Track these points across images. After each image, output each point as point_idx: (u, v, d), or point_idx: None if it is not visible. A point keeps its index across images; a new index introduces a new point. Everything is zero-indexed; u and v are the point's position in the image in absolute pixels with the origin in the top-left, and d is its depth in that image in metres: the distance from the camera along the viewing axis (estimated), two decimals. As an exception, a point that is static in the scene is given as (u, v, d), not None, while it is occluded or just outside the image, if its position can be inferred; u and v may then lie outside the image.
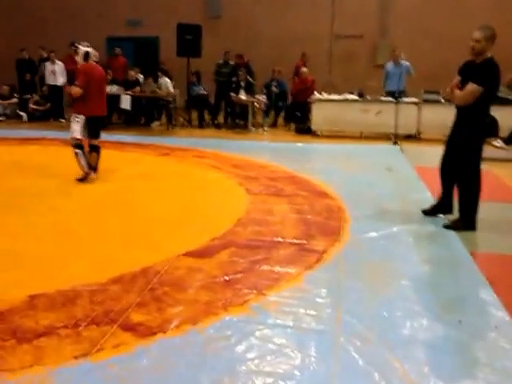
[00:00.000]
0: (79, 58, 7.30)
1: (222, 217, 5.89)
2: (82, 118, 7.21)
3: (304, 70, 13.31)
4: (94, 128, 7.39)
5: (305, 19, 16.39)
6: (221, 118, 13.93)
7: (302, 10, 16.52)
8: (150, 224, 5.64)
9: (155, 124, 13.77)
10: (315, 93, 12.71)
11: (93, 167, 7.43)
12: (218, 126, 13.47)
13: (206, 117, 13.84)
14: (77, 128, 7.20)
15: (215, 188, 7.33)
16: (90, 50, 7.30)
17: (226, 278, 4.19)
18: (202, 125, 13.54)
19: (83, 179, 7.21)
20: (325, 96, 12.68)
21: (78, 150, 7.25)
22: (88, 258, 4.63)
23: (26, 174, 7.70)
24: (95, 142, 7.51)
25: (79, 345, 3.19)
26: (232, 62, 13.87)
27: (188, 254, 4.69)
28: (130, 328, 3.39)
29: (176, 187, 7.31)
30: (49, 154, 9.70)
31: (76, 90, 7.14)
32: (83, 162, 7.27)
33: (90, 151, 7.44)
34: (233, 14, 16.65)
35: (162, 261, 4.52)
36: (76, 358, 3.06)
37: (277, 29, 16.48)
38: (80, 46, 7.31)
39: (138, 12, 17.14)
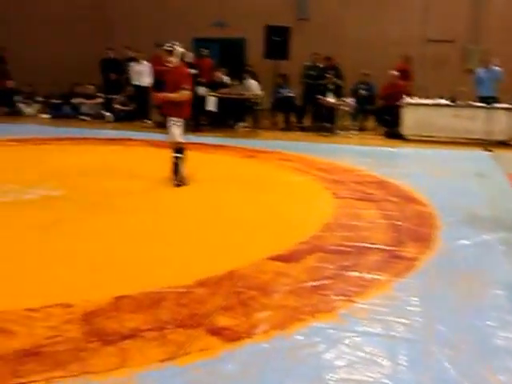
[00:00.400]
0: (174, 59, 7.19)
1: (307, 221, 5.83)
2: (181, 122, 7.25)
3: (394, 73, 13.02)
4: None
5: (395, 22, 16.07)
6: (307, 121, 13.85)
7: (393, 13, 16.23)
8: (235, 226, 5.66)
9: (240, 126, 13.87)
10: (406, 97, 12.42)
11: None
12: (303, 129, 13.40)
13: (292, 119, 13.81)
14: (178, 132, 7.23)
15: (300, 191, 7.27)
16: (183, 50, 7.43)
17: (314, 283, 4.12)
18: (287, 127, 13.52)
19: (181, 184, 7.24)
20: (416, 100, 12.38)
21: (180, 155, 7.31)
22: (173, 260, 4.69)
23: (112, 175, 7.88)
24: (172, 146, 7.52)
25: (165, 348, 3.20)
26: (320, 65, 13.78)
27: (274, 258, 4.66)
28: (215, 332, 3.38)
29: (260, 190, 7.29)
30: (133, 154, 9.94)
31: (187, 94, 7.20)
32: (183, 167, 7.31)
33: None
34: (321, 16, 16.52)
35: (247, 264, 4.51)
36: (161, 361, 3.07)
37: (366, 32, 16.23)
38: (176, 47, 7.22)
39: (224, 13, 17.34)
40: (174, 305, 3.78)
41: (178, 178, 7.25)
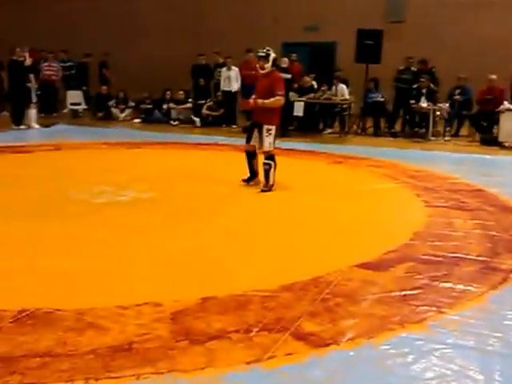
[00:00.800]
0: (268, 64, 7.09)
1: (397, 228, 5.77)
2: (274, 129, 7.24)
3: (492, 77, 12.60)
4: None
5: (496, 24, 15.55)
6: (398, 126, 13.65)
7: (494, 15, 15.71)
8: (321, 232, 5.68)
9: (327, 131, 13.86)
10: (505, 102, 12.00)
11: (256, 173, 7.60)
12: (394, 135, 13.23)
13: (382, 125, 13.65)
14: (270, 140, 7.20)
15: (390, 198, 7.20)
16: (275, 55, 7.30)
17: (403, 293, 4.08)
18: (377, 133, 13.39)
19: (268, 190, 7.24)
20: None
21: (272, 162, 7.26)
22: (259, 264, 4.76)
23: (200, 179, 8.06)
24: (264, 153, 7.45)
25: (251, 350, 3.26)
26: (414, 69, 13.55)
27: (361, 266, 4.64)
28: (301, 337, 3.41)
29: (348, 196, 7.28)
30: (220, 159, 10.14)
31: (282, 100, 7.20)
32: (274, 174, 7.30)
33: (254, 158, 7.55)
34: (416, 18, 16.25)
35: (334, 271, 4.51)
36: (248, 363, 3.13)
37: (464, 34, 15.80)
38: (271, 52, 7.14)
39: (314, 17, 17.38)
40: (260, 308, 3.84)
41: (267, 185, 7.25)
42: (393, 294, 4.07)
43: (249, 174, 7.60)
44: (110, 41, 19.01)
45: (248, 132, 7.57)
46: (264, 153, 7.28)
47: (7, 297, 4.00)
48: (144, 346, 3.29)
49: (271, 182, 7.26)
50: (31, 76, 13.73)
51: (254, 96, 7.26)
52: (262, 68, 7.12)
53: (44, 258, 4.79)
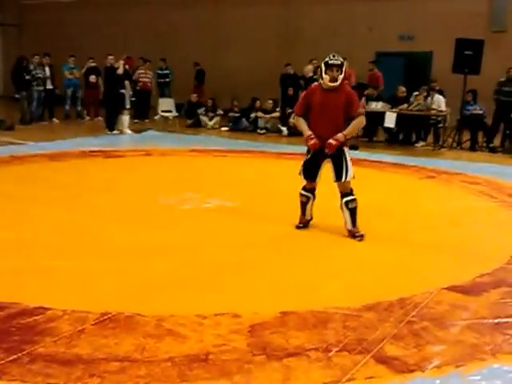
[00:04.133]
0: (342, 75, 5.66)
1: (492, 250, 5.54)
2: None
3: None
4: None
5: None
6: (497, 141, 13.14)
7: None
8: (409, 251, 5.53)
9: (420, 144, 13.53)
10: None
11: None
12: (492, 150, 12.74)
13: (480, 139, 13.18)
14: (350, 164, 5.83)
15: (486, 217, 6.92)
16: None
17: (497, 320, 3.90)
18: (473, 147, 12.94)
19: (362, 237, 5.80)
20: None
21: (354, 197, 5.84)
22: (341, 280, 4.69)
23: (282, 189, 7.94)
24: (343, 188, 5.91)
25: (329, 370, 3.20)
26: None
27: (452, 289, 4.48)
28: (384, 360, 3.32)
29: (439, 214, 7.05)
30: None
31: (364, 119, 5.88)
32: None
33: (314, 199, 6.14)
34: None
35: (421, 292, 4.38)
36: (325, 384, 3.08)
37: None
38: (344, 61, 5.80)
39: (410, 26, 17.07)
40: (341, 327, 3.78)
41: (358, 230, 5.82)
42: (485, 320, 3.91)
43: (304, 216, 6.13)
44: (200, 50, 19.48)
45: (312, 165, 5.85)
46: (344, 187, 5.80)
47: (92, 298, 4.16)
48: (221, 358, 3.30)
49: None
50: (126, 83, 14.31)
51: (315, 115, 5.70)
52: (334, 80, 5.57)
53: (129, 262, 4.94)
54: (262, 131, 15.14)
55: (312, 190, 6.00)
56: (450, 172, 9.79)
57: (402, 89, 13.70)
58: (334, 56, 5.63)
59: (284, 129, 14.86)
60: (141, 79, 16.70)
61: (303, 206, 6.07)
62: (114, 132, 13.92)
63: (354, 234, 5.78)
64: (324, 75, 5.60)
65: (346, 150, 5.75)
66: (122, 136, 13.74)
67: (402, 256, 5.38)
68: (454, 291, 4.43)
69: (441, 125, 13.29)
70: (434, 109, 13.16)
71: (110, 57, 14.17)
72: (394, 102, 13.44)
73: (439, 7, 16.57)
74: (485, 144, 13.11)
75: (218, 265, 4.95)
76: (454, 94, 13.26)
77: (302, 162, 5.95)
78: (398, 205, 7.42)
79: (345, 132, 5.64)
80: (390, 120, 12.90)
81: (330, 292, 4.44)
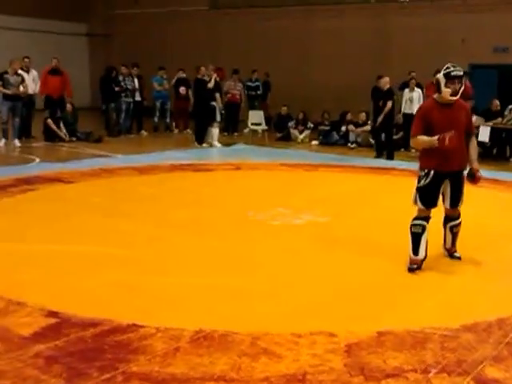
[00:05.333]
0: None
1: None
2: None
3: None
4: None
5: None
6: None
7: None
8: (505, 269, 5.40)
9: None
10: None
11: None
12: None
13: None
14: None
15: None
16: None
17: None
18: None
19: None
20: None
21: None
22: (436, 300, 4.65)
23: (375, 206, 8.05)
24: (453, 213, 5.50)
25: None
26: None
27: (553, 310, 4.36)
28: (484, 383, 3.30)
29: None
30: (396, 185, 9.71)
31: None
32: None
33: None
34: None
35: (522, 313, 4.29)
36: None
37: None
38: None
39: (505, 38, 16.59)
40: (439, 348, 3.76)
41: (456, 250, 5.61)
42: None
43: (416, 256, 5.30)
44: (291, 62, 19.61)
45: (432, 189, 5.23)
46: (454, 212, 5.45)
47: (184, 315, 4.26)
48: (318, 378, 3.34)
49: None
50: (216, 95, 14.32)
51: (444, 137, 4.99)
52: (456, 93, 5.09)
53: (220, 278, 5.03)
54: (353, 145, 15.02)
55: (428, 219, 5.28)
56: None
57: (497, 102, 13.35)
58: (454, 66, 5.12)
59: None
60: (230, 91, 16.72)
61: (416, 238, 5.23)
62: (204, 145, 14.03)
63: (451, 254, 5.58)
64: (444, 88, 5.07)
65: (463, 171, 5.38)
66: (211, 149, 13.84)
67: (498, 275, 5.25)
68: (557, 312, 4.32)
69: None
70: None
71: (202, 68, 14.21)
72: (487, 115, 13.11)
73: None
74: None
75: (310, 282, 5.00)
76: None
77: (415, 189, 5.31)
78: (496, 222, 7.14)
79: (475, 159, 5.35)
80: (484, 134, 12.55)
81: (426, 311, 4.42)
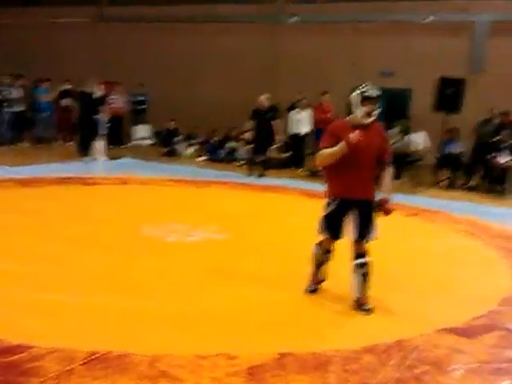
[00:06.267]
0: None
1: (482, 292, 5.61)
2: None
3: None
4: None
5: None
6: (474, 181, 13.33)
7: None
8: (402, 291, 5.51)
9: (399, 181, 13.63)
10: None
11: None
12: (470, 189, 12.93)
13: (458, 177, 13.38)
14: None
15: (472, 257, 7.00)
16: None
17: (498, 365, 3.94)
18: (452, 185, 13.13)
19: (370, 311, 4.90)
20: None
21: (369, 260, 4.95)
22: (336, 322, 4.69)
23: (267, 223, 8.15)
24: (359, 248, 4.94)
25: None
26: (497, 121, 13.27)
27: (448, 331, 4.52)
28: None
29: (427, 253, 7.10)
30: (287, 203, 10.07)
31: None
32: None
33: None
34: (497, 69, 16.04)
35: (418, 335, 4.41)
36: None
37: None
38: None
39: (391, 62, 17.37)
40: (342, 370, 3.77)
41: (366, 299, 4.95)
42: (486, 365, 3.93)
43: (316, 276, 5.24)
44: (181, 77, 19.55)
45: (337, 218, 4.88)
46: (361, 247, 4.92)
47: (77, 336, 4.05)
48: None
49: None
50: (102, 108, 14.08)
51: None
52: (370, 115, 4.79)
53: (115, 298, 4.84)
54: (241, 162, 15.12)
55: (329, 250, 5.07)
56: (431, 210, 9.86)
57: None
58: (369, 86, 4.80)
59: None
60: (114, 104, 16.36)
61: (317, 266, 5.17)
62: (88, 158, 13.65)
63: (360, 305, 4.88)
64: (357, 109, 4.73)
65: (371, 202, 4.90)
66: (96, 163, 13.51)
67: (394, 297, 5.33)
68: (451, 333, 4.47)
69: (420, 162, 13.45)
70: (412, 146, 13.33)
71: (88, 80, 14.01)
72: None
73: (420, 45, 16.93)
74: (463, 183, 13.30)
75: (208, 303, 4.90)
76: (433, 131, 13.47)
77: (321, 217, 4.94)
78: (382, 243, 7.35)
79: (387, 190, 4.94)
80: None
81: (327, 334, 4.43)
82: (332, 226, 4.89)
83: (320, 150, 4.87)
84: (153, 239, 6.85)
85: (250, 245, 6.87)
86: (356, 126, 4.71)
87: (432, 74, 13.98)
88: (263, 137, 12.90)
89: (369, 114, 4.75)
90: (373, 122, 4.82)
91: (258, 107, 13.08)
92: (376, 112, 4.78)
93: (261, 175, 12.79)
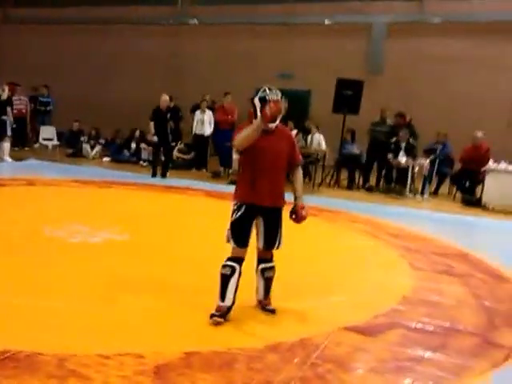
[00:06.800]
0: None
1: (383, 291, 5.74)
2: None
3: (479, 134, 12.70)
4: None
5: (481, 82, 15.99)
6: (372, 181, 13.72)
7: (464, 70, 16.14)
8: (303, 291, 5.54)
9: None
10: (490, 162, 12.08)
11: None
12: (369, 189, 13.29)
13: (357, 178, 13.73)
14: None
15: (372, 257, 7.15)
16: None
17: (398, 363, 4.02)
18: (351, 186, 13.45)
19: (273, 311, 4.85)
20: (503, 166, 11.90)
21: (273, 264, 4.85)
22: (242, 321, 4.63)
23: (172, 223, 8.14)
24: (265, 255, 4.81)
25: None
26: (390, 121, 13.72)
27: (349, 329, 4.57)
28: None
29: (328, 253, 7.21)
30: (192, 203, 10.17)
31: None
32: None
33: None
34: (395, 71, 16.63)
35: (321, 333, 4.44)
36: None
37: (442, 89, 16.22)
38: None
39: (290, 64, 17.63)
40: (246, 369, 3.77)
41: (269, 301, 4.91)
42: (387, 364, 4.01)
43: (223, 302, 4.61)
44: (85, 78, 19.23)
45: (243, 225, 4.63)
46: (266, 253, 4.79)
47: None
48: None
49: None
50: (8, 109, 14.01)
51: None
52: (274, 119, 4.55)
53: (20, 297, 4.72)
54: (145, 163, 15.01)
55: (240, 260, 4.62)
56: (331, 210, 10.04)
57: (290, 125, 13.80)
58: (270, 89, 4.57)
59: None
60: (16, 105, 16.07)
61: (224, 282, 4.58)
62: (-5, 159, 13.56)
63: (264, 306, 4.86)
64: (260, 113, 4.48)
65: (280, 209, 4.70)
66: (1, 164, 13.42)
67: (296, 298, 5.29)
68: (352, 331, 4.52)
69: (320, 163, 13.67)
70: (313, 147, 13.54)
71: None
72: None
73: (318, 46, 17.30)
74: (362, 183, 13.65)
75: (114, 302, 4.81)
76: (332, 132, 13.72)
77: (228, 225, 4.67)
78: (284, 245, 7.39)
79: (300, 195, 4.76)
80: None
81: (231, 332, 4.39)
82: (239, 234, 4.60)
83: (235, 136, 4.61)
84: (56, 240, 6.70)
85: (152, 245, 6.80)
86: (269, 130, 4.54)
87: (330, 75, 14.34)
88: (163, 137, 12.81)
89: (273, 117, 4.50)
90: (279, 126, 4.66)
91: (158, 107, 12.99)
92: (278, 116, 4.55)
93: (163, 176, 12.77)
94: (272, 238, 4.67)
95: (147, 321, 4.48)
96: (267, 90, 4.56)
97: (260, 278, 4.81)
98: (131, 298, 4.92)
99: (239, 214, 4.62)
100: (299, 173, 4.83)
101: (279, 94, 4.55)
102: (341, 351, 4.14)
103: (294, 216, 4.74)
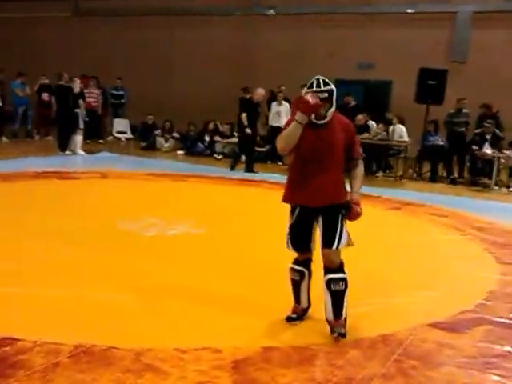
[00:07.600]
0: (332, 109, 4.18)
1: (469, 286, 5.58)
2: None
3: None
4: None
5: None
6: (455, 173, 13.37)
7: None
8: (387, 286, 5.46)
9: (380, 174, 13.66)
10: None
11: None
12: (453, 181, 12.96)
13: (440, 170, 13.42)
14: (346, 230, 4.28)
15: (457, 251, 6.94)
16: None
17: (486, 360, 3.91)
18: (434, 178, 13.16)
19: (344, 335, 4.16)
20: None
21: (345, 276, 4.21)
22: (316, 320, 4.51)
23: (249, 217, 8.18)
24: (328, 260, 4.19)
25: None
26: (466, 110, 13.27)
27: (435, 325, 4.48)
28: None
29: (412, 246, 7.08)
30: (268, 197, 9.81)
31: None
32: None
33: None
34: (480, 59, 16.11)
35: (404, 329, 4.36)
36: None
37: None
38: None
39: (370, 54, 17.38)
40: (327, 365, 3.73)
41: (343, 321, 4.20)
42: (474, 360, 3.91)
43: (298, 304, 4.47)
44: (156, 72, 19.51)
45: (300, 229, 4.27)
46: (330, 259, 4.17)
47: (61, 329, 4.00)
48: (206, 396, 3.20)
49: (345, 314, 4.20)
50: (80, 102, 14.19)
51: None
52: (320, 117, 4.14)
53: (94, 291, 4.78)
54: (220, 156, 15.07)
55: (307, 263, 4.38)
56: (413, 203, 9.86)
57: (360, 117, 13.70)
58: (318, 81, 4.16)
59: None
60: (87, 98, 16.28)
61: (296, 286, 4.40)
62: (67, 152, 13.75)
63: (332, 328, 4.17)
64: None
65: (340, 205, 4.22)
66: (74, 157, 13.58)
67: (379, 295, 5.21)
68: (438, 328, 4.43)
69: (402, 155, 13.47)
70: (394, 140, 13.33)
71: (65, 74, 14.05)
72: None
73: (399, 36, 16.97)
74: (445, 175, 13.34)
75: (190, 296, 4.82)
76: (415, 123, 13.48)
77: (286, 229, 4.32)
78: (367, 238, 7.27)
79: (357, 190, 4.31)
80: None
81: (311, 327, 4.35)
82: (299, 239, 4.26)
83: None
84: (131, 233, 6.76)
85: (229, 239, 6.82)
86: (313, 123, 4.13)
87: (412, 64, 14.09)
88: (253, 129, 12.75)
89: (319, 116, 4.12)
90: (336, 116, 4.24)
91: (249, 99, 12.97)
92: (330, 112, 4.14)
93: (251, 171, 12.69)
94: (329, 235, 4.12)
95: (224, 316, 4.47)
96: (314, 82, 4.16)
97: (326, 292, 4.15)
98: (211, 292, 4.95)
99: (294, 217, 4.27)
100: (359, 168, 4.35)
101: (325, 86, 4.13)
102: (425, 347, 4.06)
103: (345, 212, 4.20)
